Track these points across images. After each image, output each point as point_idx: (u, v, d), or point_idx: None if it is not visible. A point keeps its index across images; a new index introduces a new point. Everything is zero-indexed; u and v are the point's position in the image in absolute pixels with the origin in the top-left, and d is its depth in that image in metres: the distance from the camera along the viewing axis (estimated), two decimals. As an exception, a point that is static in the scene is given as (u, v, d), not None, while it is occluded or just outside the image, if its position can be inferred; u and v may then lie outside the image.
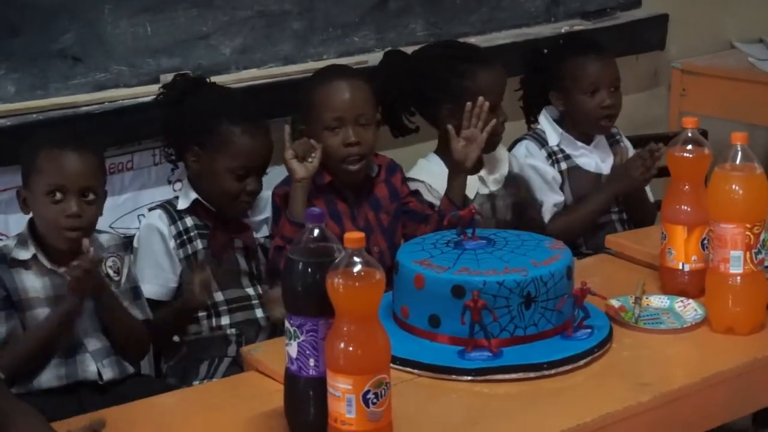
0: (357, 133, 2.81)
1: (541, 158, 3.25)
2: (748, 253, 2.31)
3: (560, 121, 3.29)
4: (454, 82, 3.05)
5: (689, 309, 2.44)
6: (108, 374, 2.58)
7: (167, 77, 3.03)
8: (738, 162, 2.32)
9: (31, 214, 2.56)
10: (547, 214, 3.20)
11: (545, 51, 3.41)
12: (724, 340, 2.34)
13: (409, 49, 3.29)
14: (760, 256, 2.33)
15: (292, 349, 1.93)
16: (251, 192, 2.78)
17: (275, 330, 2.78)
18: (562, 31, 3.90)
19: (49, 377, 2.53)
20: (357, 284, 1.84)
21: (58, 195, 2.49)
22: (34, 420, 1.95)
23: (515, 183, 3.17)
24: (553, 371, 2.17)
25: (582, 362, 2.21)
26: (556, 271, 2.25)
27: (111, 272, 2.62)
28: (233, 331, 2.80)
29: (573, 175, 3.27)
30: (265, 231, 2.91)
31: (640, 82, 4.27)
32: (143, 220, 2.89)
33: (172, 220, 2.79)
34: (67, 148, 2.52)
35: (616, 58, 3.34)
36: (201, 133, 2.77)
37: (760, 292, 2.35)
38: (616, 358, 2.26)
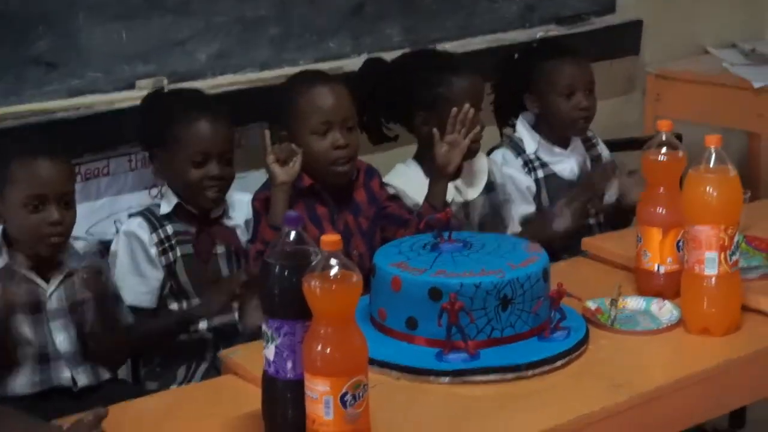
0: (345, 135, 2.83)
1: (517, 167, 3.25)
2: (722, 254, 2.32)
3: (536, 126, 3.30)
4: (430, 90, 3.05)
5: (665, 311, 2.45)
6: (83, 380, 2.57)
7: (143, 83, 3.03)
8: (712, 164, 2.33)
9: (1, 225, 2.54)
10: (515, 224, 3.21)
11: (516, 56, 3.42)
12: (699, 341, 2.35)
13: (386, 55, 3.29)
14: (734, 258, 2.34)
15: (270, 352, 1.93)
16: (215, 177, 2.76)
17: (253, 334, 2.78)
18: (537, 36, 3.91)
19: (22, 384, 2.53)
20: (334, 286, 1.84)
21: (38, 204, 2.47)
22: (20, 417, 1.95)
23: (495, 191, 3.17)
24: (530, 372, 2.18)
25: (559, 363, 2.21)
26: (533, 273, 2.25)
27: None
28: (211, 334, 2.80)
29: (550, 183, 3.27)
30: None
31: (615, 88, 4.29)
32: (121, 227, 2.87)
33: (153, 228, 2.79)
34: (39, 156, 2.50)
35: (591, 63, 3.35)
36: (161, 135, 2.79)
37: (734, 293, 2.37)
38: (593, 360, 2.27)
